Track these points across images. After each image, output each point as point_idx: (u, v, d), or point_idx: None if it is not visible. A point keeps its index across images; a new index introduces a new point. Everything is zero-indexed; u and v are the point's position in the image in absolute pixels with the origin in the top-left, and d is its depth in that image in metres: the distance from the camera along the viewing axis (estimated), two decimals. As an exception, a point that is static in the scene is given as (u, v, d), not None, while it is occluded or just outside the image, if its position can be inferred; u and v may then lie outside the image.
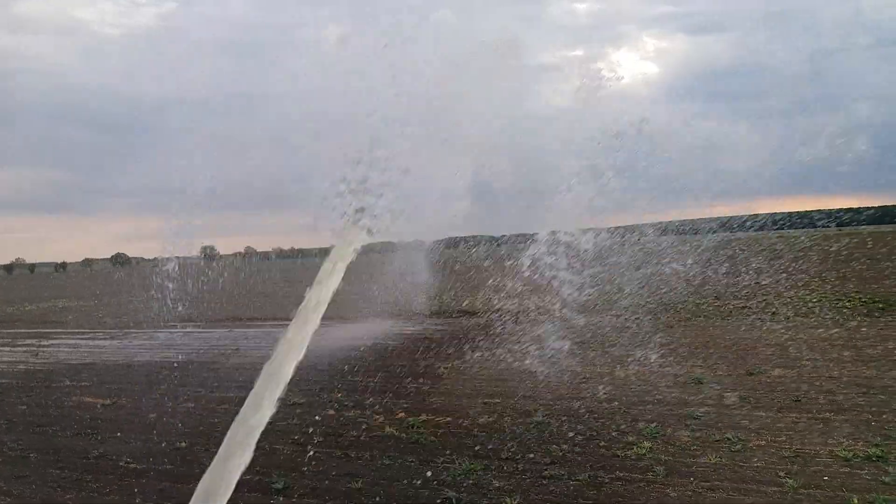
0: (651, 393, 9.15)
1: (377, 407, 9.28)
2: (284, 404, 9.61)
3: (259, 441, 8.06)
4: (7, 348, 18.47)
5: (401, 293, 23.55)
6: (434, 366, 12.35)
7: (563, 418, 8.14)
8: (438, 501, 5.74)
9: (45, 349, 17.77)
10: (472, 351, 13.97)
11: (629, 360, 11.73)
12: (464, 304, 22.94)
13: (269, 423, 8.91)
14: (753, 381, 9.57)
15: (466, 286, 29.71)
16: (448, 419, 8.42)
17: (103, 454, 7.65)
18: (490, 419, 8.29)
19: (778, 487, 5.65)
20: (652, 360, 11.51)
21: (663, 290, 24.23)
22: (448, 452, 7.04)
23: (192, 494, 5.95)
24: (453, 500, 5.68)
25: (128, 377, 12.72)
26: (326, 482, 6.37)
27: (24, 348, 18.20)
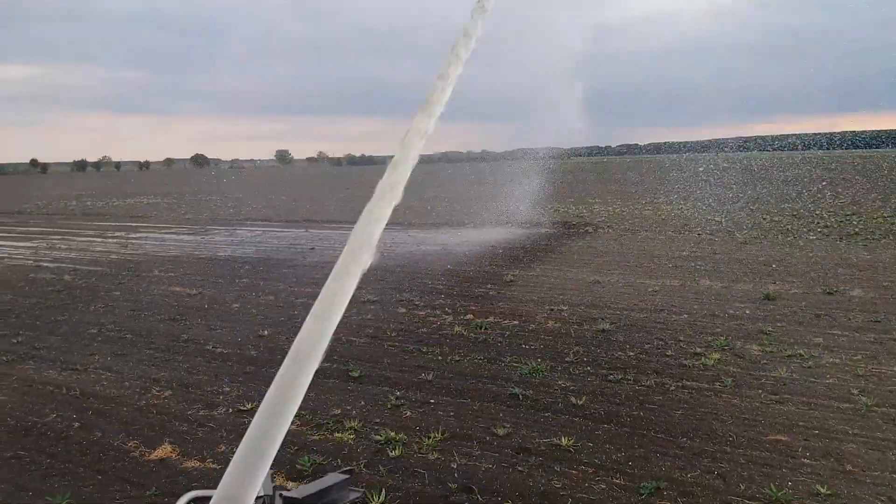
0: (722, 307, 9.05)
1: (447, 308, 9.54)
2: (358, 301, 10.00)
3: (337, 333, 8.49)
4: (99, 239, 19.66)
5: (500, 202, 23.59)
6: (501, 272, 12.50)
7: (631, 328, 8.19)
8: (505, 396, 5.95)
9: (133, 242, 18.84)
10: (541, 260, 14.03)
11: (702, 274, 11.56)
12: (558, 215, 22.86)
13: (345, 318, 9.35)
14: (830, 301, 9.31)
15: (564, 197, 29.52)
16: (515, 322, 8.59)
17: (191, 338, 8.19)
18: (556, 325, 8.42)
19: (850, 404, 5.60)
20: (725, 276, 11.31)
21: (743, 208, 23.47)
22: (514, 353, 7.24)
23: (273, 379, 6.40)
24: (519, 396, 5.88)
25: (211, 270, 13.40)
26: (399, 373, 6.68)
27: (115, 240, 19.33)
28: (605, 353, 7.17)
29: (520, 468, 4.62)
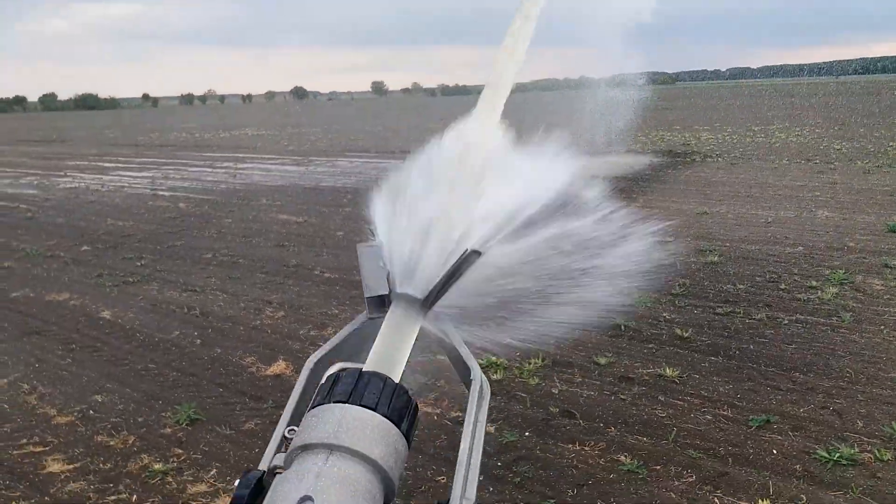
0: (841, 240, 8.50)
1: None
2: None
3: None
4: (209, 169, 20.61)
5: (600, 130, 22.96)
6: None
7: (741, 260, 7.85)
8: (606, 326, 5.89)
9: (241, 172, 19.64)
10: (643, 190, 13.60)
11: (819, 205, 10.86)
12: (663, 143, 22.05)
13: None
14: (968, 235, 8.55)
15: (670, 124, 28.39)
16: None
17: (300, 264, 8.54)
18: (661, 256, 8.18)
19: (985, 344, 5.19)
20: (845, 207, 10.58)
21: (865, 134, 21.74)
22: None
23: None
24: (622, 327, 5.81)
25: (315, 199, 13.82)
26: (498, 301, 6.73)
27: (224, 170, 20.21)
28: (713, 286, 6.93)
29: (622, 396, 4.60)
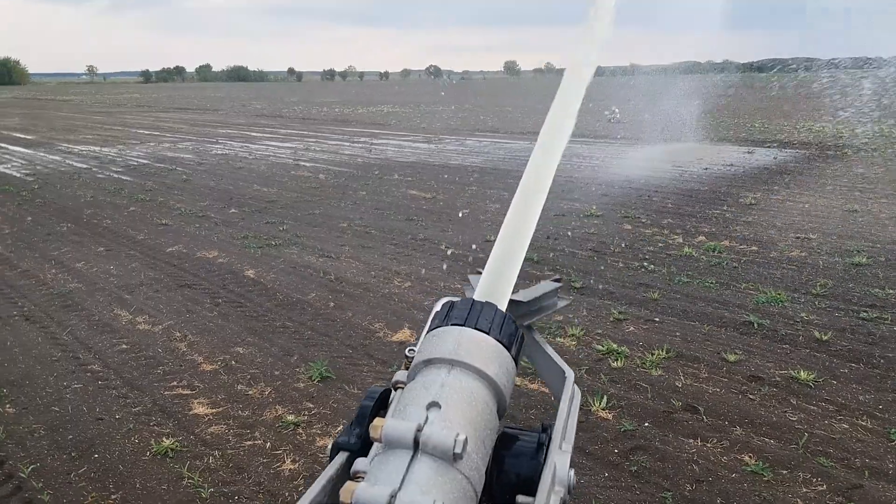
0: None
1: (676, 228, 9.15)
2: (581, 214, 9.96)
3: (556, 243, 8.50)
4: (347, 144, 21.46)
5: (740, 117, 21.85)
6: (739, 194, 11.60)
7: (893, 263, 7.24)
8: (738, 322, 5.65)
9: (376, 147, 20.30)
10: (786, 183, 12.78)
11: None
12: (811, 134, 20.67)
13: (566, 230, 9.31)
14: None
15: (819, 113, 26.54)
16: (754, 248, 8.01)
17: (426, 238, 8.77)
18: (802, 254, 7.70)
19: None
20: None
21: None
22: (751, 279, 6.79)
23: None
24: (754, 324, 5.55)
25: (443, 177, 14.08)
26: (622, 288, 6.62)
27: (360, 145, 20.97)
28: (858, 289, 6.45)
29: (750, 396, 4.42)
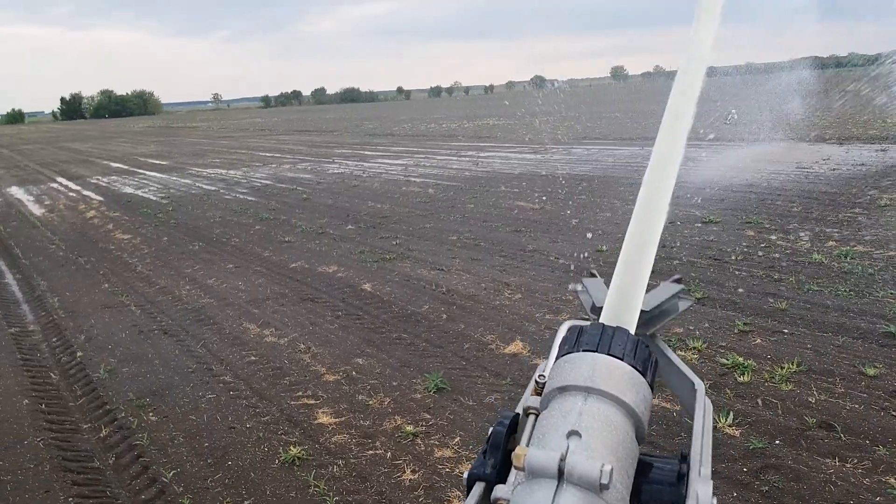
0: None
1: (802, 233, 8.62)
2: (698, 221, 9.58)
3: (673, 251, 8.22)
4: (454, 158, 21.75)
5: (873, 114, 20.45)
6: (872, 195, 10.77)
7: None
8: (877, 334, 5.25)
9: (482, 160, 20.45)
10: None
11: None
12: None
13: (684, 238, 8.97)
14: None
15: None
16: (891, 254, 7.41)
17: (535, 249, 8.74)
18: None
19: None
20: None
21: None
22: (890, 287, 6.28)
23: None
24: (896, 336, 5.14)
25: (550, 187, 13.97)
26: (746, 298, 6.31)
27: (467, 158, 21.20)
28: None
29: (894, 413, 4.09)
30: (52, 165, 28.07)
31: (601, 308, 0.84)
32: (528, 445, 0.62)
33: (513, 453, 0.58)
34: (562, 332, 0.79)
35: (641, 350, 0.70)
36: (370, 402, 4.74)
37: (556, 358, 0.72)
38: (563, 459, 0.56)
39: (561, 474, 0.55)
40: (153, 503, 3.75)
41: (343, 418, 4.55)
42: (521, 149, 23.34)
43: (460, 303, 6.77)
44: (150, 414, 4.78)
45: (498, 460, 0.67)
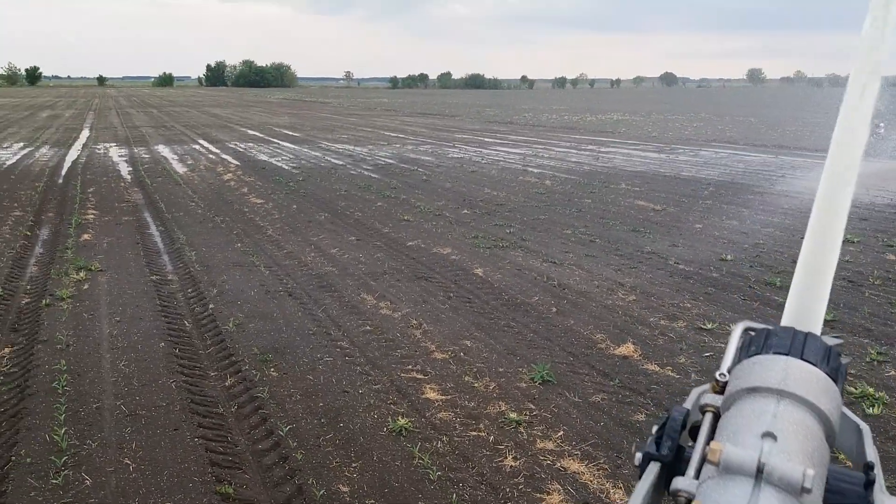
0: None
1: (955, 263, 7.91)
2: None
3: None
4: (574, 150, 21.46)
5: None
6: None
7: None
8: None
9: (603, 155, 20.05)
10: None
11: None
12: None
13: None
14: None
15: None
16: None
17: (654, 251, 8.52)
18: None
19: None
20: None
21: None
22: None
23: (734, 306, 6.25)
24: None
25: (674, 188, 13.53)
26: (883, 326, 5.90)
27: (587, 152, 20.85)
28: None
29: None
30: (195, 128, 30.09)
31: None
32: (708, 443, 0.61)
33: (708, 447, 0.58)
34: (737, 331, 0.78)
35: (834, 357, 0.70)
36: (476, 385, 4.84)
37: (740, 359, 0.72)
38: (761, 459, 0.56)
39: (759, 474, 0.55)
40: (269, 454, 4.02)
41: (449, 396, 4.67)
42: (645, 146, 22.67)
43: (571, 298, 6.73)
44: (272, 369, 5.10)
45: (674, 446, 0.66)
